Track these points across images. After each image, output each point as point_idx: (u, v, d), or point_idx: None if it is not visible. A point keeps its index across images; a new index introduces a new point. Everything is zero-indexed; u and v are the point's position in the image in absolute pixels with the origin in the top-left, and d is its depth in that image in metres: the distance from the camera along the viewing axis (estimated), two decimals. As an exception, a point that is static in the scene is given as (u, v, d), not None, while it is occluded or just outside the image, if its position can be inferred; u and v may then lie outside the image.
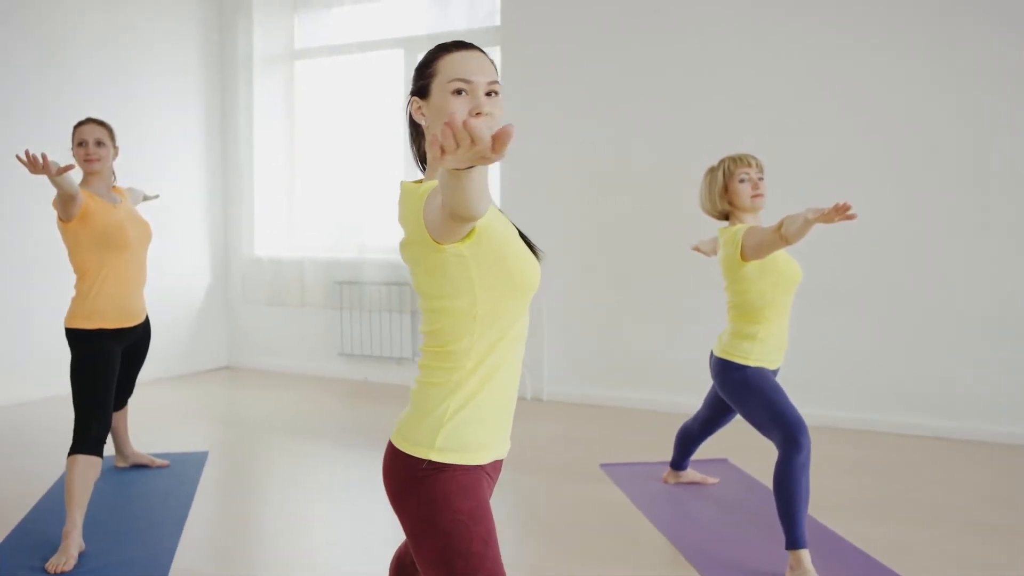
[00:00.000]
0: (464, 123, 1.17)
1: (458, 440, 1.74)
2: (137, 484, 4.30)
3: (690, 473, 4.26)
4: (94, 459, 3.43)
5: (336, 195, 7.04)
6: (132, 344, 3.94)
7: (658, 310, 5.81)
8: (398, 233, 6.64)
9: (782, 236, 3.12)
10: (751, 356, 3.37)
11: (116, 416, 4.32)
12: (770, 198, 3.81)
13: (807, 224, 3.00)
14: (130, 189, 4.28)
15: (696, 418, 4.02)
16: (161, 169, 6.89)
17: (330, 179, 7.07)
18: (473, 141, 1.18)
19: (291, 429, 5.50)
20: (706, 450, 4.64)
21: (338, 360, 6.95)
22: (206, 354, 7.34)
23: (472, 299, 1.73)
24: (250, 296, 7.35)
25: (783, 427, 3.19)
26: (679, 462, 4.20)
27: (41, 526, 3.67)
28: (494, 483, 1.87)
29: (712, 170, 3.54)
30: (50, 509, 3.89)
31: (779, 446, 3.21)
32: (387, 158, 6.77)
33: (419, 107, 1.81)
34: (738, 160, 3.47)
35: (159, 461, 4.57)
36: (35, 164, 3.09)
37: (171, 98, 6.98)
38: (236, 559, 3.47)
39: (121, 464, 4.53)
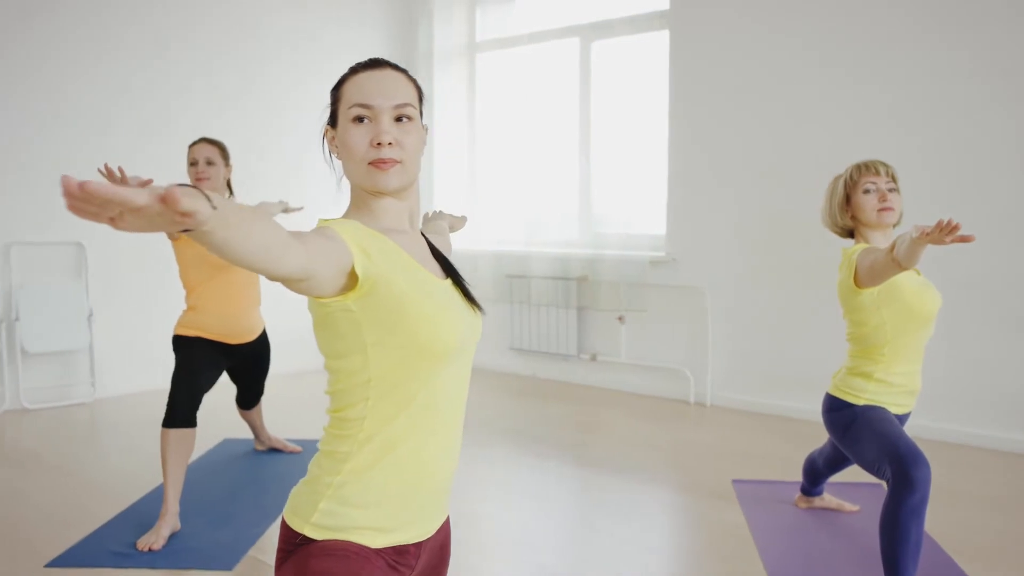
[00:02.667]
0: (80, 186, 0.88)
1: (336, 518, 1.52)
2: (261, 468, 4.42)
3: (826, 499, 3.77)
4: (183, 431, 3.53)
5: (510, 188, 6.96)
6: (248, 358, 4.05)
7: (837, 313, 5.23)
8: (568, 226, 6.50)
9: (894, 259, 2.62)
10: (863, 395, 2.92)
11: (249, 414, 4.48)
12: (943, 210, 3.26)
13: (914, 245, 2.48)
14: (261, 204, 4.38)
15: (822, 452, 3.55)
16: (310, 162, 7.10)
17: (506, 172, 7.00)
18: (108, 204, 0.90)
19: None
20: (857, 470, 4.11)
21: (509, 355, 6.88)
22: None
23: (364, 360, 1.51)
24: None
25: (894, 460, 2.70)
26: (809, 489, 3.74)
27: (154, 506, 3.83)
28: (413, 569, 1.62)
29: (836, 179, 3.08)
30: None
31: (889, 484, 2.73)
32: (560, 149, 6.60)
33: (332, 137, 1.62)
34: (864, 167, 2.97)
35: (292, 447, 4.68)
36: (112, 177, 3.21)
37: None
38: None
39: (259, 447, 4.70)
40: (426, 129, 1.69)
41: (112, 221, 0.95)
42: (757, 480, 4.16)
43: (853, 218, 2.99)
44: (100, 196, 0.89)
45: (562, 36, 6.59)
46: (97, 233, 5.81)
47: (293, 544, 1.52)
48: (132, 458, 4.57)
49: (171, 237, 3.70)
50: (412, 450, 1.55)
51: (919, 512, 2.64)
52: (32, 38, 5.69)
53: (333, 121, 1.62)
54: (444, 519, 1.69)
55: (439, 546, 1.71)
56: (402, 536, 1.57)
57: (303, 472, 4.38)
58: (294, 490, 1.59)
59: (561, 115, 6.60)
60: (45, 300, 5.68)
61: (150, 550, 3.36)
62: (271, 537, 3.53)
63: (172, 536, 3.49)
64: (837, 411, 2.96)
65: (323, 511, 1.52)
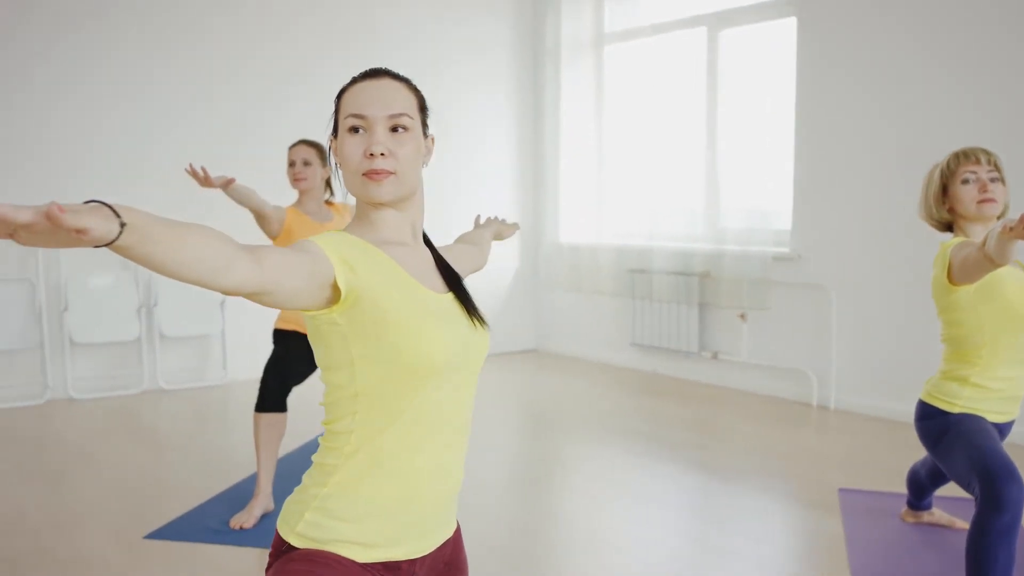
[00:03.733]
0: None
1: (320, 530, 1.52)
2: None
3: (935, 514, 3.52)
4: (273, 416, 3.65)
5: (634, 181, 6.84)
6: None
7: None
8: (690, 221, 6.35)
9: (986, 254, 2.39)
10: (958, 401, 2.70)
11: None
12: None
13: (1000, 240, 2.26)
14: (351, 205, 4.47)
15: (924, 463, 3.31)
16: (471, 155, 7.20)
17: (630, 165, 6.89)
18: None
19: (567, 417, 5.44)
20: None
21: (630, 350, 6.77)
22: (515, 337, 7.54)
23: (351, 374, 1.51)
24: (552, 282, 7.43)
25: (983, 475, 2.48)
26: (915, 503, 3.49)
27: (253, 487, 3.97)
28: None
29: (933, 168, 2.86)
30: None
31: (977, 502, 2.52)
32: (686, 142, 6.43)
33: (335, 148, 1.62)
34: (962, 155, 2.74)
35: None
36: (196, 176, 3.34)
37: (483, 85, 7.24)
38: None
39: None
40: (432, 139, 1.68)
41: (12, 237, 0.98)
42: (869, 491, 3.92)
43: (951, 210, 2.77)
44: None
45: (689, 26, 6.42)
46: (242, 223, 6.08)
47: (280, 551, 1.54)
48: (246, 439, 4.77)
49: (268, 236, 3.84)
50: (400, 467, 1.54)
51: (1009, 535, 2.42)
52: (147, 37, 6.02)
53: (335, 131, 1.62)
54: (446, 537, 1.66)
55: (442, 563, 1.69)
56: (390, 552, 1.55)
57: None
58: (287, 499, 1.60)
59: (687, 107, 6.43)
60: (181, 287, 6.00)
61: (241, 528, 3.50)
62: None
63: (264, 516, 3.61)
64: (929, 419, 2.75)
65: (308, 521, 1.52)
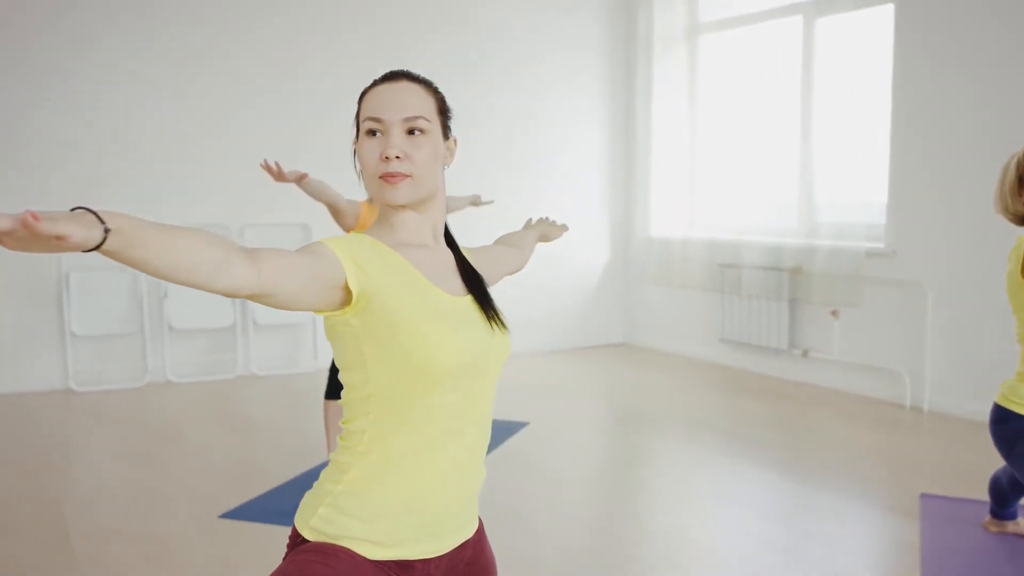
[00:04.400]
0: None
1: (332, 526, 1.54)
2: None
3: (1020, 523, 3.34)
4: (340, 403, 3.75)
5: (726, 174, 6.71)
6: None
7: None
8: (782, 214, 6.17)
9: None
10: None
11: None
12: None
13: None
14: (447, 197, 4.50)
15: (1005, 470, 3.15)
16: (561, 148, 7.19)
17: (723, 158, 6.75)
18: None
19: (652, 414, 5.36)
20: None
21: (719, 346, 6.65)
22: (603, 330, 7.50)
23: (364, 375, 1.54)
24: (642, 276, 7.36)
25: None
26: (998, 512, 3.33)
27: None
28: None
29: (1009, 158, 2.72)
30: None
31: None
32: (780, 134, 6.27)
33: (357, 149, 1.65)
34: None
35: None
36: (270, 171, 3.43)
37: (574, 79, 7.21)
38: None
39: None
40: (454, 141, 1.68)
41: (4, 241, 1.02)
42: (954, 497, 3.76)
43: (1026, 204, 2.63)
44: None
45: (785, 15, 6.25)
46: (323, 216, 6.23)
47: (295, 543, 1.57)
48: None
49: (343, 229, 3.93)
50: (411, 469, 1.56)
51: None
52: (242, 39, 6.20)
53: (356, 134, 1.64)
54: (465, 538, 1.67)
55: (463, 564, 1.70)
56: (402, 552, 1.57)
57: (489, 446, 4.48)
58: (307, 492, 1.63)
59: (781, 98, 6.26)
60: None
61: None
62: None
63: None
64: (1004, 423, 2.62)
65: (321, 516, 1.55)
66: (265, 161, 3.49)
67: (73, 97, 5.76)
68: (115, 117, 5.88)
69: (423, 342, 1.51)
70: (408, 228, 1.64)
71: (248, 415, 5.33)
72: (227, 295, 1.30)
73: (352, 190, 4.48)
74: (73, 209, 1.09)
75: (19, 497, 3.85)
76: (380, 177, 1.57)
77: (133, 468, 4.24)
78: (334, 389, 3.75)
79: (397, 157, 1.55)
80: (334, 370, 3.78)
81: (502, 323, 1.69)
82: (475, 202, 4.59)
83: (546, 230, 2.34)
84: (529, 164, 7.10)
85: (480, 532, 1.81)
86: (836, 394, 5.67)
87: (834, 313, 5.73)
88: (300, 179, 3.56)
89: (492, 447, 4.47)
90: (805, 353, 5.94)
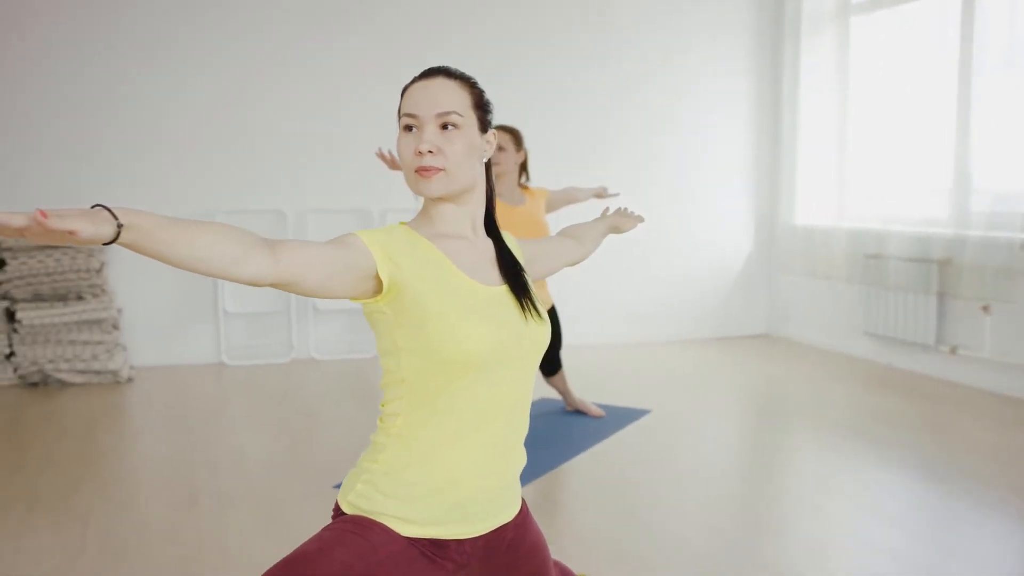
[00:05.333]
0: None
1: (368, 501, 1.64)
2: (557, 427, 4.62)
3: None
4: None
5: (875, 161, 6.40)
6: None
7: None
8: (933, 203, 5.88)
9: None
10: None
11: (552, 380, 4.70)
12: None
13: None
14: (570, 188, 4.52)
15: None
16: (705, 135, 7.06)
17: (872, 143, 6.45)
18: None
19: (790, 409, 5.17)
20: None
21: (863, 340, 6.37)
22: (744, 320, 7.33)
23: (398, 361, 1.63)
24: (786, 266, 7.13)
25: None
26: None
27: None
28: (459, 564, 1.69)
29: None
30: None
31: None
32: (935, 119, 5.92)
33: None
34: None
35: (596, 410, 4.82)
36: (384, 159, 3.56)
37: (718, 64, 7.06)
38: (557, 520, 3.55)
39: (568, 408, 4.90)
40: (493, 134, 1.72)
41: (22, 236, 1.15)
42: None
43: None
44: None
45: (942, -9, 5.90)
46: (381, 200, 6.38)
47: (336, 515, 1.68)
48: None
49: None
50: (444, 453, 1.62)
51: None
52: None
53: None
54: (502, 522, 1.73)
55: (503, 546, 1.76)
56: (435, 531, 1.64)
57: (599, 435, 4.50)
58: (350, 471, 1.73)
59: (937, 80, 5.91)
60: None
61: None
62: (526, 491, 3.70)
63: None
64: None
65: (358, 492, 1.65)
66: (380, 150, 3.62)
67: (149, 90, 6.08)
68: (180, 109, 6.16)
69: (450, 331, 1.57)
70: (447, 220, 1.70)
71: (326, 396, 5.51)
72: (249, 284, 1.40)
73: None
74: (93, 206, 1.21)
75: (162, 458, 4.17)
76: (415, 171, 1.63)
77: (266, 438, 4.49)
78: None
79: (430, 152, 1.61)
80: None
81: (538, 313, 1.72)
82: (599, 194, 4.60)
83: (618, 221, 2.33)
84: (671, 152, 7.02)
85: (523, 515, 1.85)
86: (986, 395, 5.33)
87: (986, 308, 5.38)
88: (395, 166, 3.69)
89: (606, 433, 4.48)
90: (953, 350, 5.61)
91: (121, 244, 1.25)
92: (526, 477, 3.82)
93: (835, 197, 6.76)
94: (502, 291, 1.71)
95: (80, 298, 5.60)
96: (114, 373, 5.64)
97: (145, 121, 6.06)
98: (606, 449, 4.27)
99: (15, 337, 5.52)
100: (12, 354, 5.56)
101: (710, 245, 7.17)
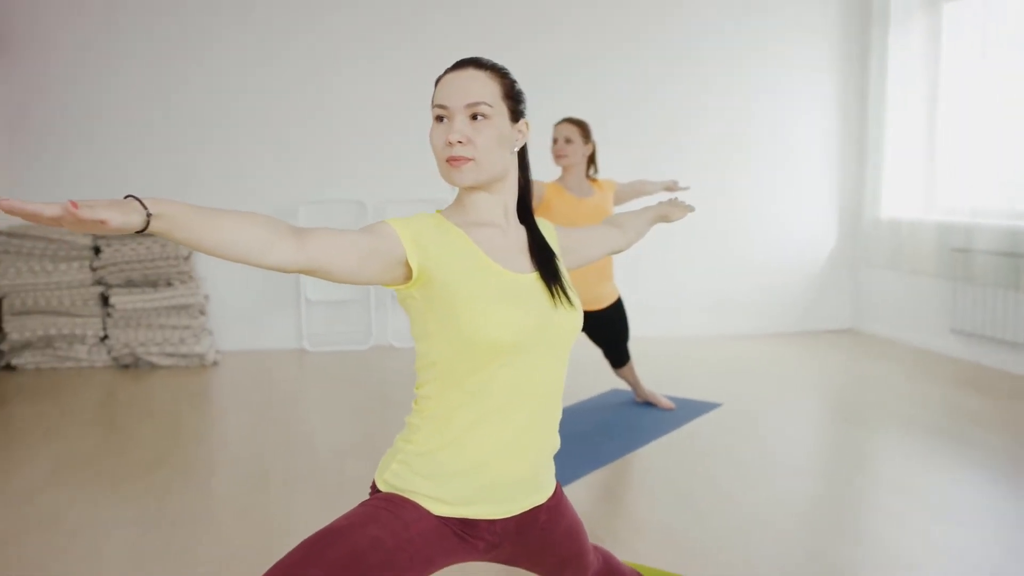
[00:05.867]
0: (2, 204, 1.18)
1: (402, 480, 1.70)
2: (625, 418, 4.62)
3: None
4: None
5: (965, 152, 6.18)
6: (600, 324, 4.38)
7: None
8: (1021, 196, 5.65)
9: None
10: None
11: (621, 372, 4.69)
12: None
13: None
14: (640, 181, 4.50)
15: None
16: (790, 125, 6.93)
17: (963, 134, 6.22)
18: (29, 216, 1.19)
19: (873, 409, 4.98)
20: None
21: (950, 338, 6.17)
22: (828, 315, 7.17)
23: (429, 345, 1.68)
24: (871, 259, 6.95)
25: None
26: None
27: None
28: (490, 544, 1.75)
29: None
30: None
31: None
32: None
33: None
34: None
35: (666, 402, 4.80)
36: None
37: (802, 52, 6.91)
38: (603, 515, 3.56)
39: (638, 400, 4.89)
40: (525, 123, 1.75)
41: (55, 224, 1.23)
42: None
43: None
44: (14, 211, 1.19)
45: (1039, -26, 5.66)
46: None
47: (372, 493, 1.75)
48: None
49: None
50: (474, 436, 1.67)
51: None
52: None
53: None
54: (533, 504, 1.77)
55: (536, 529, 1.81)
56: (466, 511, 1.69)
57: (667, 427, 4.46)
58: (388, 450, 1.79)
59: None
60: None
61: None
62: (588, 479, 3.72)
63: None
64: None
65: (393, 471, 1.71)
66: None
67: (231, 85, 6.26)
68: (262, 103, 6.31)
69: (478, 317, 1.61)
70: (479, 208, 1.74)
71: (387, 382, 5.58)
72: (276, 270, 1.46)
73: (539, 170, 4.61)
74: (125, 197, 1.29)
75: (239, 439, 4.33)
76: (446, 161, 1.68)
77: (340, 422, 4.61)
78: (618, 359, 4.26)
79: (459, 142, 1.65)
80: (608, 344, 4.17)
81: (568, 300, 1.74)
82: (670, 187, 4.57)
83: (667, 210, 2.34)
84: (753, 142, 6.91)
85: (557, 499, 1.88)
86: (1080, 395, 5.11)
87: (1080, 305, 5.16)
88: None
89: (673, 425, 4.46)
90: (1045, 348, 5.41)
91: (153, 232, 1.32)
92: (589, 466, 3.86)
93: (922, 189, 6.56)
94: (532, 278, 1.74)
95: (169, 284, 5.83)
96: (200, 357, 5.85)
97: (227, 115, 6.26)
98: (672, 441, 4.25)
99: (109, 321, 5.78)
100: (106, 337, 5.83)
101: (792, 238, 7.04)
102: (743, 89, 6.83)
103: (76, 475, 3.76)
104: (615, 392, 5.11)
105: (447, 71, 1.73)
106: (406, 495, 1.70)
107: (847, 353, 6.38)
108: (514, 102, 1.74)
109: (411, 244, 1.61)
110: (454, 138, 1.65)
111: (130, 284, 5.80)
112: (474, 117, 1.67)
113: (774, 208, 7.00)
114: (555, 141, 4.15)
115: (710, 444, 4.22)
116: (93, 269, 5.77)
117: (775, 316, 7.05)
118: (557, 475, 3.59)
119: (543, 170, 4.67)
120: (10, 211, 1.20)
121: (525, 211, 1.84)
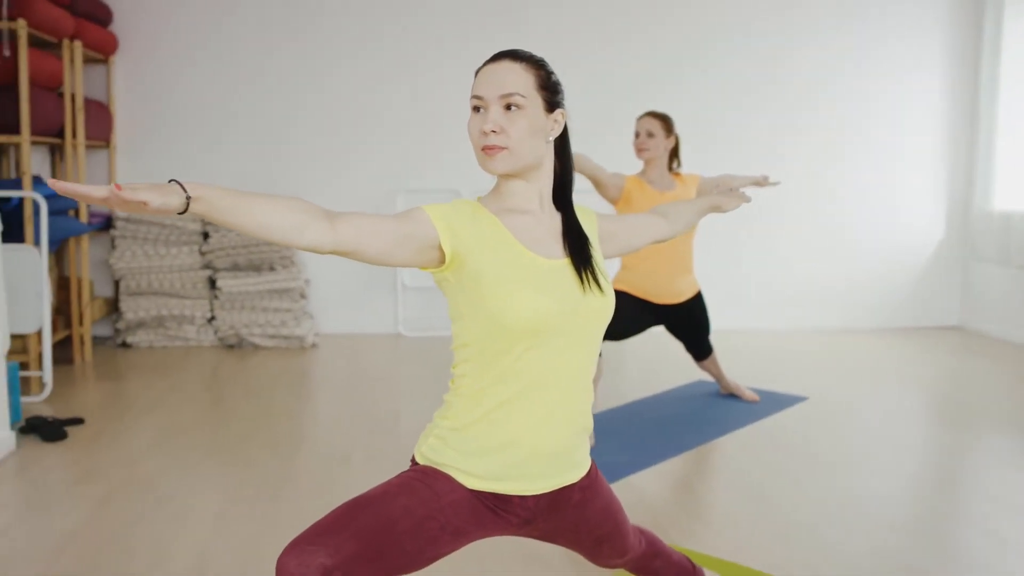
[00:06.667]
0: (52, 183, 1.32)
1: (437, 453, 1.78)
2: (705, 410, 4.60)
3: None
4: None
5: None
6: (679, 318, 4.34)
7: None
8: None
9: None
10: None
11: (704, 364, 4.67)
12: None
13: None
14: (724, 176, 4.46)
15: None
16: (898, 114, 6.74)
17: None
18: (81, 198, 1.33)
19: (980, 414, 4.71)
20: None
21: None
22: (935, 311, 6.94)
23: (462, 326, 1.76)
24: (980, 254, 6.68)
25: None
26: None
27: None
28: (524, 520, 1.82)
29: None
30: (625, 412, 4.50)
31: None
32: None
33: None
34: None
35: (750, 394, 4.76)
36: None
37: (912, 46, 6.70)
38: (674, 508, 3.57)
39: (723, 392, 4.87)
40: (561, 113, 1.80)
41: (105, 204, 1.36)
42: None
43: None
44: (68, 192, 1.32)
45: None
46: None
47: (411, 466, 1.84)
48: (609, 381, 5.09)
49: (608, 200, 4.09)
50: (505, 414, 1.74)
51: None
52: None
53: None
54: (565, 482, 1.83)
55: (569, 507, 1.87)
56: (498, 486, 1.77)
57: (747, 419, 4.42)
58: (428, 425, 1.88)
59: None
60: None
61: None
62: (660, 467, 3.73)
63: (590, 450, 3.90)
64: None
65: (430, 446, 1.81)
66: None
67: (334, 75, 6.42)
68: (354, 89, 6.44)
69: (505, 300, 1.68)
70: (516, 195, 1.81)
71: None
72: (310, 251, 1.57)
73: (617, 162, 4.64)
74: (169, 181, 1.41)
75: (328, 418, 4.51)
76: (481, 149, 1.75)
77: (426, 405, 4.71)
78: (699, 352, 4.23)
79: (493, 131, 1.72)
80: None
81: (598, 285, 1.79)
82: (759, 182, 4.51)
83: (720, 201, 2.35)
84: (860, 132, 6.74)
85: (591, 479, 1.93)
86: None
87: None
88: None
89: (755, 418, 4.42)
90: None
91: (193, 214, 1.44)
92: (663, 454, 3.88)
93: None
94: (562, 264, 1.79)
95: (272, 269, 6.08)
96: (300, 339, 6.09)
97: (327, 106, 6.47)
98: (751, 433, 4.22)
99: (215, 303, 6.08)
100: (213, 318, 6.13)
101: (898, 230, 6.84)
102: (853, 81, 6.67)
103: (173, 445, 4.00)
104: (700, 383, 5.09)
105: (485, 63, 1.80)
106: (441, 468, 1.78)
107: (951, 351, 6.16)
108: (549, 93, 1.79)
109: (444, 229, 1.69)
110: (488, 127, 1.72)
111: (235, 268, 6.08)
112: (508, 107, 1.73)
113: (879, 200, 6.82)
114: (637, 135, 4.16)
115: (790, 437, 4.17)
116: (202, 253, 6.06)
117: (877, 311, 6.86)
118: (630, 462, 3.69)
119: (627, 163, 4.70)
120: (64, 192, 1.33)
121: (564, 198, 1.89)
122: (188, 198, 1.42)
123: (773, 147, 6.57)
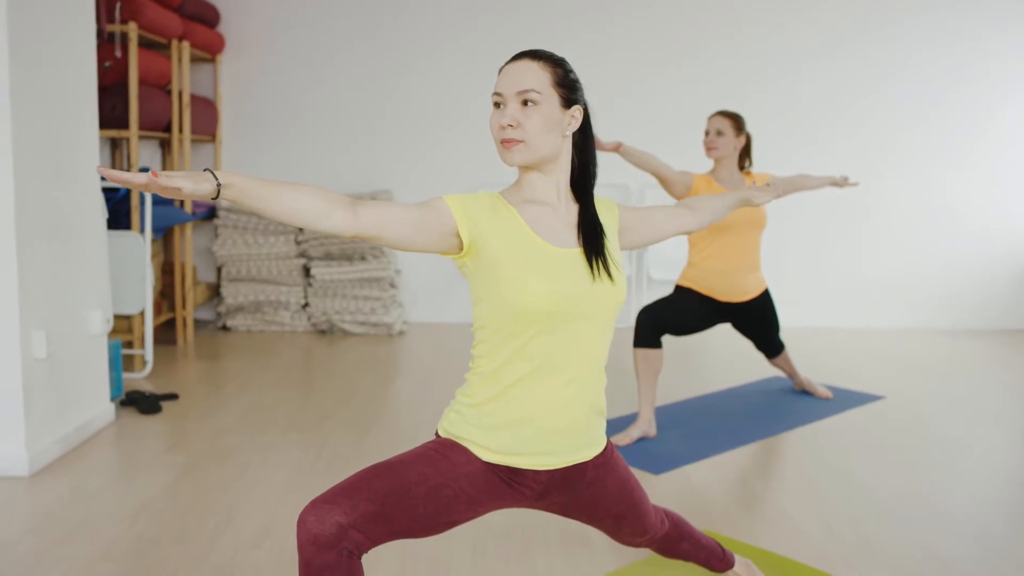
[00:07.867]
0: (99, 170, 1.50)
1: (456, 427, 1.93)
2: (774, 404, 4.62)
3: None
4: (647, 351, 3.99)
5: None
6: (746, 316, 4.30)
7: None
8: None
9: None
10: None
11: (775, 361, 4.64)
12: None
13: None
14: (799, 176, 4.44)
15: None
16: (999, 107, 6.53)
17: None
18: (123, 184, 1.50)
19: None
20: None
21: None
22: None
23: (480, 309, 1.90)
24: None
25: None
26: None
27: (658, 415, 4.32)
28: (538, 493, 1.94)
29: None
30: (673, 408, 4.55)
31: None
32: None
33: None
34: None
35: (823, 391, 4.73)
36: (600, 146, 3.76)
37: (1019, 34, 6.47)
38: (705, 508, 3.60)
39: (796, 388, 4.85)
40: (579, 109, 1.91)
41: (145, 189, 1.54)
42: None
43: None
44: (112, 178, 1.49)
45: None
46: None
47: (435, 438, 1.99)
48: (667, 376, 5.13)
49: (674, 197, 4.14)
50: (520, 394, 1.87)
51: None
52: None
53: None
54: (578, 460, 1.96)
55: (583, 484, 1.99)
56: (511, 460, 1.90)
57: (816, 415, 4.40)
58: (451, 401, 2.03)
59: None
60: (677, 237, 6.53)
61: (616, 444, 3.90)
62: (717, 460, 3.77)
63: (642, 440, 3.98)
64: None
65: (450, 420, 1.96)
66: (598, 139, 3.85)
67: (416, 73, 6.51)
68: (441, 85, 6.49)
69: (518, 286, 1.80)
70: (534, 187, 1.93)
71: (619, 361, 5.71)
72: (333, 235, 1.77)
73: (686, 161, 4.66)
74: (204, 170, 1.58)
75: (403, 401, 4.71)
76: (500, 143, 1.88)
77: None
78: (639, 338, 4.00)
79: (510, 125, 1.84)
80: (641, 320, 4.03)
81: (608, 274, 1.89)
82: (838, 183, 4.49)
83: (751, 195, 2.43)
84: (954, 125, 6.57)
85: (607, 457, 2.04)
86: None
87: None
88: (615, 148, 3.87)
89: (824, 414, 4.41)
90: None
91: (225, 199, 1.61)
92: (724, 446, 3.92)
93: None
94: (575, 253, 1.90)
95: (363, 259, 6.32)
96: (388, 326, 6.32)
97: (423, 101, 6.67)
98: (818, 429, 4.21)
99: (309, 290, 6.36)
100: (307, 305, 6.42)
101: (992, 231, 6.63)
102: (944, 65, 6.49)
103: (256, 421, 4.25)
104: (776, 379, 5.08)
105: (507, 62, 1.92)
106: (459, 441, 1.92)
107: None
108: (566, 90, 1.90)
109: (462, 218, 1.82)
110: (505, 122, 1.85)
111: (328, 257, 6.34)
112: (525, 103, 1.85)
113: (974, 200, 6.62)
114: (707, 133, 4.19)
115: (857, 435, 4.14)
116: (297, 243, 6.35)
117: (969, 312, 6.68)
118: (689, 452, 3.72)
119: (697, 162, 4.74)
120: (109, 178, 1.51)
121: (583, 190, 1.99)
122: (219, 185, 1.58)
123: (871, 146, 6.45)
